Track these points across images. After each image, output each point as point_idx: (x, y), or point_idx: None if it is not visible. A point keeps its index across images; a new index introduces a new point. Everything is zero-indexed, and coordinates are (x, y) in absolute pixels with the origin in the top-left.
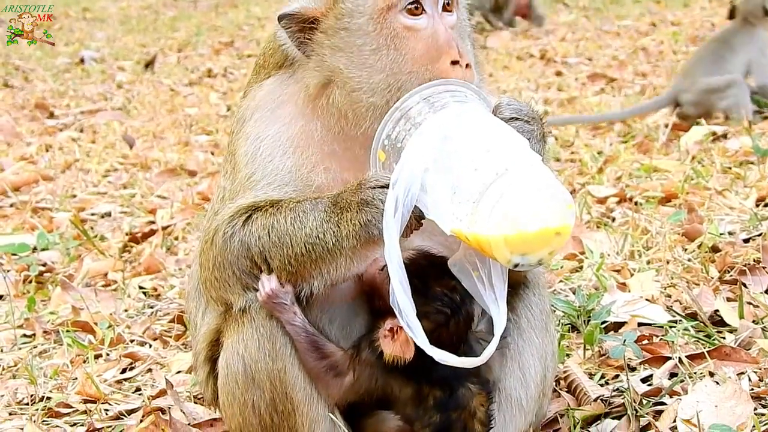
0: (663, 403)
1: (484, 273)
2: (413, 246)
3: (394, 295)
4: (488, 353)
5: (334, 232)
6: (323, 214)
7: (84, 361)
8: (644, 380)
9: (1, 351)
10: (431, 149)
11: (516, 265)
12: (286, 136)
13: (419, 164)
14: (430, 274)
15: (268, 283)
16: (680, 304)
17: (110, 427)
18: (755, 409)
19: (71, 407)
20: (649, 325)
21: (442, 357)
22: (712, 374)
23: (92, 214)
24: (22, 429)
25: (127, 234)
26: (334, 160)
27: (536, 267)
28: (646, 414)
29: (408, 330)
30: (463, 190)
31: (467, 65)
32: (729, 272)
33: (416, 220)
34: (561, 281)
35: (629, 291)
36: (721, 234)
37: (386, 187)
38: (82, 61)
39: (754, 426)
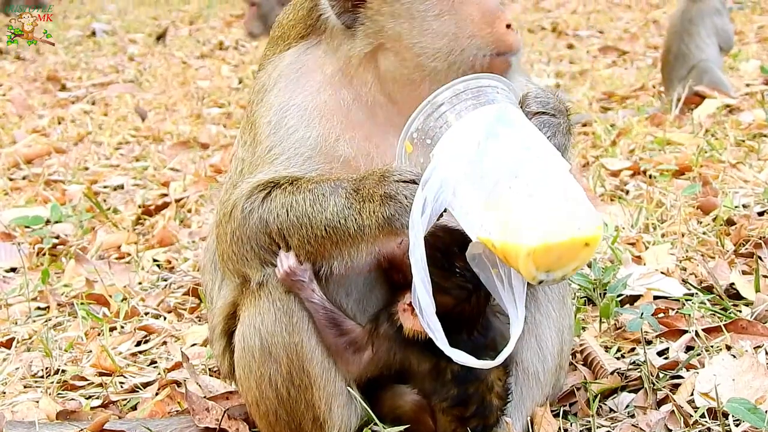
0: (680, 377)
1: (503, 271)
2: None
3: (415, 293)
4: (505, 354)
5: (355, 219)
6: (344, 200)
7: (99, 334)
8: (660, 353)
9: (16, 324)
10: (464, 157)
11: (540, 282)
12: (313, 105)
13: (452, 173)
14: (452, 248)
15: (286, 261)
16: (696, 277)
17: (125, 399)
18: None
19: (86, 380)
20: (665, 298)
21: (461, 358)
22: (728, 347)
23: (105, 187)
24: (37, 402)
25: (140, 206)
26: (358, 128)
27: (559, 282)
28: (663, 387)
29: (428, 330)
30: (494, 202)
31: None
32: (744, 245)
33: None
34: None
35: (644, 264)
36: (735, 207)
37: (410, 182)
38: (93, 33)
39: None
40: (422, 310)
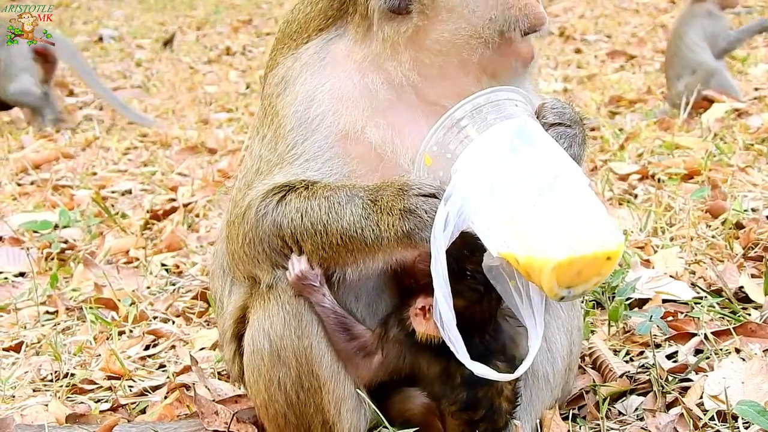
0: (689, 380)
1: (521, 283)
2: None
3: (437, 306)
4: (524, 367)
5: (373, 230)
6: (361, 210)
7: (107, 338)
8: (669, 357)
9: (25, 328)
10: (486, 173)
11: (562, 298)
12: (342, 91)
13: (474, 188)
14: (462, 251)
15: (298, 265)
16: (704, 280)
17: (134, 403)
18: None
19: (95, 384)
20: (674, 301)
21: (481, 371)
22: (738, 351)
23: (113, 192)
24: (46, 405)
25: (148, 211)
26: (386, 113)
27: (579, 298)
28: (673, 390)
29: (449, 343)
30: (516, 218)
31: None
32: (753, 249)
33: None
34: None
35: (653, 267)
36: (744, 210)
37: (430, 196)
38: (100, 39)
39: None
40: (443, 324)
